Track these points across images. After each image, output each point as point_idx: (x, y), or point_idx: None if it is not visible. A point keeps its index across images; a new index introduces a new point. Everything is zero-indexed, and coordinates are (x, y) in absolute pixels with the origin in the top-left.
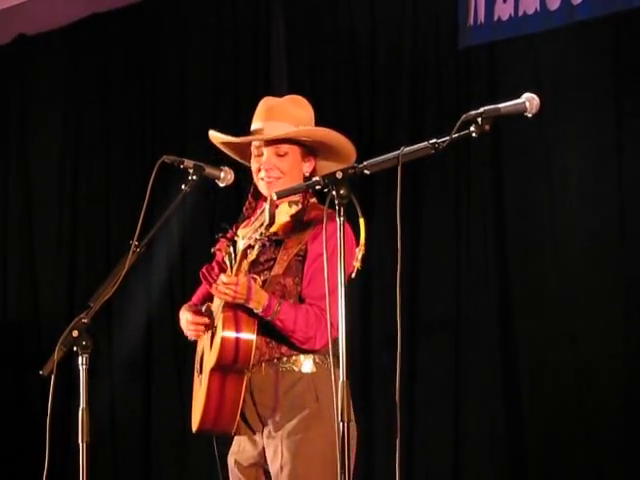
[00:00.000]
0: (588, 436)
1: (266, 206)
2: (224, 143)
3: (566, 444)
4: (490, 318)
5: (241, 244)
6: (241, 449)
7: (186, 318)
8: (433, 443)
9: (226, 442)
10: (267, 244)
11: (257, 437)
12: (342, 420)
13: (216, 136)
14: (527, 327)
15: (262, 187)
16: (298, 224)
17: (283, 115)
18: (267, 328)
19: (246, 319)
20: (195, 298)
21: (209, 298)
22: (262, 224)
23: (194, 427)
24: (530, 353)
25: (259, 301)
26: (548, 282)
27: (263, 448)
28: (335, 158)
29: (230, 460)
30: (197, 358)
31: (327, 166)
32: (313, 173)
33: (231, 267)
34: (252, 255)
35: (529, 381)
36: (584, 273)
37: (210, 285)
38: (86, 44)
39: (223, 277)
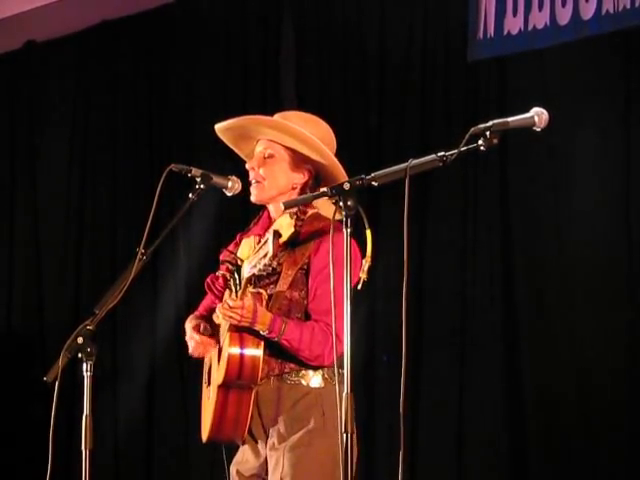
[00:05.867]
0: (591, 451)
1: (269, 237)
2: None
3: (569, 458)
4: (495, 331)
5: (246, 270)
6: (244, 459)
7: (192, 337)
8: (436, 455)
9: (231, 450)
10: (269, 274)
11: (260, 448)
12: (345, 431)
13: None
14: (532, 341)
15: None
16: (300, 236)
17: (296, 122)
18: (276, 344)
19: (252, 336)
20: (201, 308)
21: (215, 308)
22: (265, 255)
23: (203, 437)
24: (534, 366)
25: (264, 322)
26: (553, 295)
27: (265, 459)
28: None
29: (232, 470)
30: (205, 369)
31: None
32: (306, 185)
33: (236, 291)
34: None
35: (533, 394)
36: (590, 286)
37: (215, 295)
38: (96, 51)
39: (229, 301)
